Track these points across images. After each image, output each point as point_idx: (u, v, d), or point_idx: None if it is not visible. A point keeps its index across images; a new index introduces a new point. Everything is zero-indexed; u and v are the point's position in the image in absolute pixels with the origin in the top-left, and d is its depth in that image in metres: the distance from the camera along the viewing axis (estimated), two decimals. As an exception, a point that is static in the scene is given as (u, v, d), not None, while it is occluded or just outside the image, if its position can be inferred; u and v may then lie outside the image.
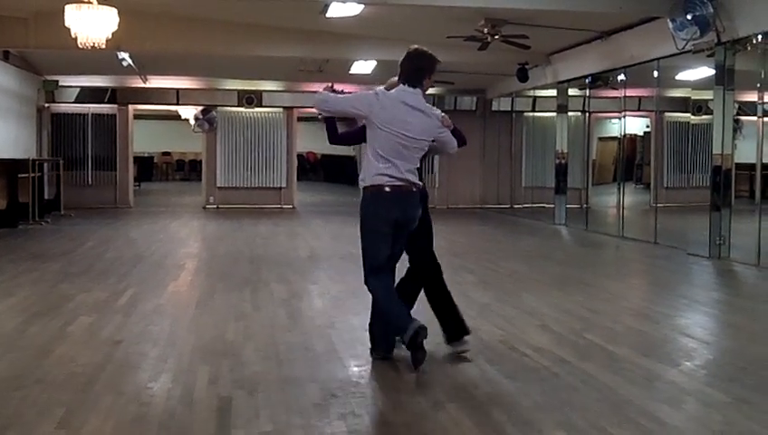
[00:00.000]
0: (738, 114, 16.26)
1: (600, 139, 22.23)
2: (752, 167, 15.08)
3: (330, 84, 5.36)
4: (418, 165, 5.10)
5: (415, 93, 5.02)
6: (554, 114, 16.36)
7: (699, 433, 3.95)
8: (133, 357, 5.33)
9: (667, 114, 18.93)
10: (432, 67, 5.09)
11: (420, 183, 5.10)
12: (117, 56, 13.49)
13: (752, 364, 5.28)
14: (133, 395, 4.49)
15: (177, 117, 23.94)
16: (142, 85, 17.89)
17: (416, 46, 5.13)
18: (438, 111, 5.18)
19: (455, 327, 5.37)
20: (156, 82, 18.07)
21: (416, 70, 5.04)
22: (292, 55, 14.15)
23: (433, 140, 5.13)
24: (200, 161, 21.18)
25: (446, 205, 19.70)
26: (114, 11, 9.68)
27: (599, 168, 22.30)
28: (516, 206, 19.27)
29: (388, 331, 5.27)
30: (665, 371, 5.06)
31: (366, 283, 5.29)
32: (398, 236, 5.14)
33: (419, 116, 4.99)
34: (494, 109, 19.98)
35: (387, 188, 4.98)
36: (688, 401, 4.46)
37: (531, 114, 19.80)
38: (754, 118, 11.06)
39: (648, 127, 21.03)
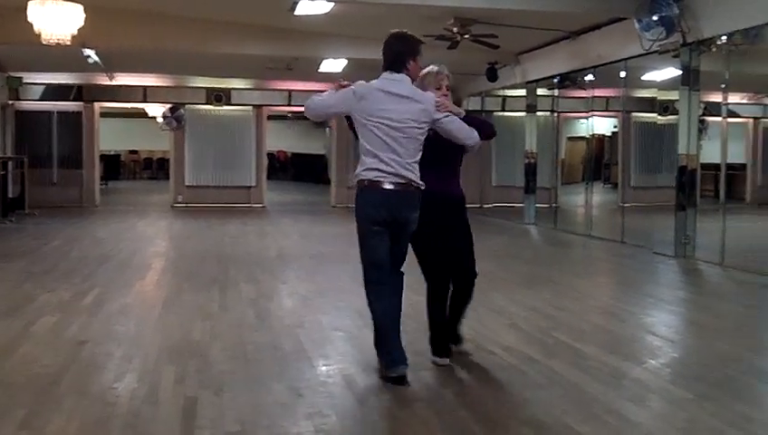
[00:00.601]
0: (704, 115, 16.48)
1: (569, 138, 22.38)
2: (717, 167, 15.27)
3: (338, 81, 4.87)
4: (415, 158, 4.69)
5: (398, 80, 4.70)
6: (523, 114, 16.43)
7: (663, 430, 3.99)
8: (98, 357, 5.27)
9: (634, 114, 19.08)
10: (413, 49, 4.77)
11: (420, 182, 4.69)
12: (83, 53, 13.32)
13: (715, 362, 5.35)
14: (97, 396, 4.44)
15: (144, 115, 23.69)
16: (109, 83, 17.69)
17: (395, 30, 4.83)
18: (433, 96, 4.79)
19: (440, 342, 5.14)
20: (123, 79, 17.87)
21: (396, 54, 4.74)
22: (261, 53, 14.07)
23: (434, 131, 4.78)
24: (168, 160, 21.00)
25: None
26: (80, 7, 9.55)
27: (567, 167, 22.46)
28: (486, 205, 19.31)
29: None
30: (630, 368, 5.10)
31: (366, 293, 4.92)
32: (395, 237, 4.77)
33: (403, 102, 4.65)
34: (463, 108, 19.98)
35: (373, 185, 4.67)
36: (653, 399, 4.50)
37: (500, 114, 19.83)
38: (719, 118, 11.19)
39: (615, 127, 21.21)
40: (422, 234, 4.88)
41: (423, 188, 4.71)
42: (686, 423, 4.11)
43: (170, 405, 4.28)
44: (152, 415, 4.13)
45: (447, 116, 4.75)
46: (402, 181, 4.65)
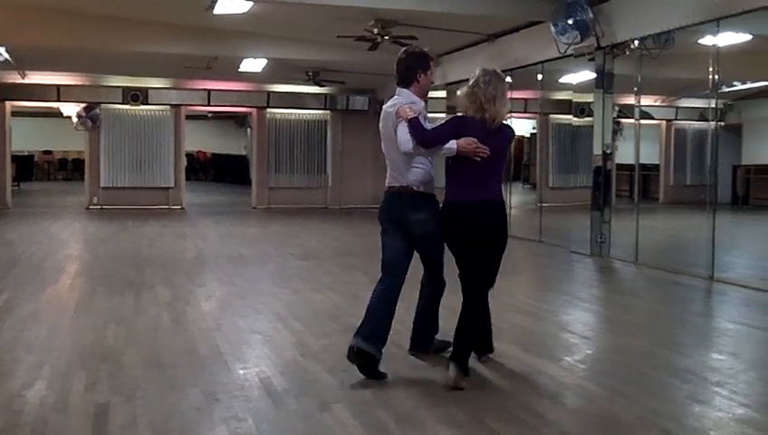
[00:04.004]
0: (619, 117, 16.90)
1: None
2: (632, 167, 15.66)
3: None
4: (410, 164, 4.96)
5: (396, 95, 5.06)
6: (444, 115, 16.54)
7: (576, 426, 4.06)
8: (6, 364, 5.10)
9: (552, 116, 19.47)
10: (422, 62, 5.05)
11: (415, 184, 4.98)
12: (-8, 50, 12.90)
13: (626, 358, 5.48)
14: (4, 403, 4.29)
15: (58, 114, 23.05)
16: (21, 81, 17.13)
17: (408, 46, 5.25)
18: (400, 105, 4.92)
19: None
20: (35, 77, 17.33)
21: (406, 68, 5.06)
22: (180, 52, 13.85)
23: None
24: (84, 160, 20.46)
25: (338, 204, 19.71)
26: (-13, 2, 9.23)
27: (487, 168, 22.75)
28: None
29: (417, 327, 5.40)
30: (546, 366, 5.19)
31: None
32: (411, 239, 5.08)
33: (389, 117, 5.01)
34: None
35: (386, 189, 5.16)
36: (567, 395, 4.58)
37: (421, 115, 19.97)
38: (633, 120, 11.49)
39: (534, 128, 21.58)
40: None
41: (423, 191, 4.98)
42: (599, 419, 4.20)
43: (80, 412, 4.16)
44: (61, 423, 4.01)
45: (399, 122, 4.88)
46: (395, 184, 5.06)
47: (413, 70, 5.04)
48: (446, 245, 5.06)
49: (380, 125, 5.12)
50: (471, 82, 4.85)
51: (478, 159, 4.75)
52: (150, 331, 6.06)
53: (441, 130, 4.93)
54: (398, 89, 5.08)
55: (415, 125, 4.82)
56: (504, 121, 4.98)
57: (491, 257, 4.96)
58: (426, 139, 4.86)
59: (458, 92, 4.99)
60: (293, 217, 16.97)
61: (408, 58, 5.08)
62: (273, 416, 4.20)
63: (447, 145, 4.78)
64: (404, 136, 4.84)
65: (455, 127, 4.88)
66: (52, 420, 4.04)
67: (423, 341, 5.39)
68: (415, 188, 4.99)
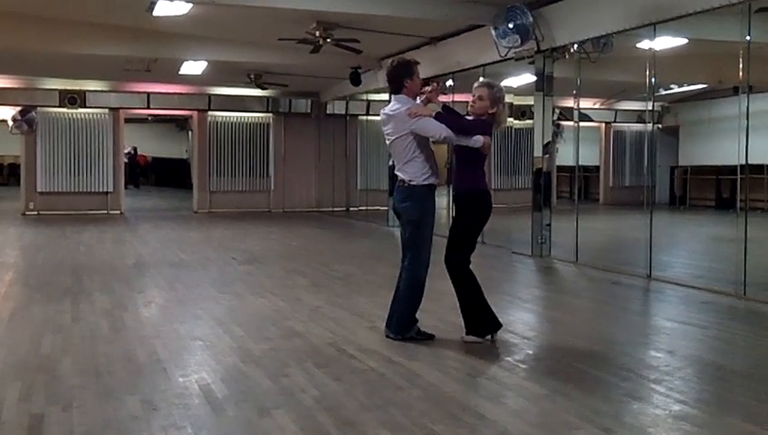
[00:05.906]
0: (559, 119, 17.14)
1: (434, 142, 22.75)
2: (572, 169, 15.86)
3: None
4: (405, 161, 5.73)
5: (393, 101, 5.84)
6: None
7: (517, 426, 4.08)
8: (-66, 376, 4.93)
9: (494, 119, 19.63)
10: (407, 70, 5.81)
11: (406, 178, 5.74)
12: None
13: (567, 357, 5.54)
14: (-68, 418, 4.14)
15: (-7, 118, 22.52)
16: (-48, 83, 16.69)
17: (393, 59, 5.98)
18: (406, 109, 5.66)
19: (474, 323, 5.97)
20: (-32, 80, 16.90)
21: (394, 78, 5.83)
22: (118, 54, 13.60)
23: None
24: (20, 165, 19.98)
25: (281, 208, 19.61)
26: None
27: (431, 170, 22.84)
28: (352, 208, 19.43)
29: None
30: (487, 367, 5.23)
31: None
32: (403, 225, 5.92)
33: (389, 120, 5.77)
34: (328, 112, 20.07)
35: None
36: (508, 396, 4.61)
37: (364, 118, 20.03)
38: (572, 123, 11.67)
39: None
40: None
41: (413, 183, 5.72)
42: (540, 418, 4.23)
43: (14, 424, 4.05)
44: (-8, 436, 3.90)
45: (418, 120, 5.62)
46: (399, 179, 5.82)
47: (399, 78, 5.80)
48: (463, 225, 5.92)
49: (385, 127, 5.81)
50: (487, 94, 5.77)
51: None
52: (88, 339, 5.93)
53: (474, 123, 5.77)
54: (394, 96, 5.85)
55: (449, 114, 5.69)
56: None
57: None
58: (465, 126, 5.71)
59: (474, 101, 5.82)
60: (236, 221, 16.82)
61: (393, 69, 5.89)
62: (212, 423, 4.14)
63: (475, 137, 5.62)
64: (438, 126, 5.59)
65: (481, 126, 5.73)
66: (-16, 433, 3.92)
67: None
68: (407, 181, 5.74)
